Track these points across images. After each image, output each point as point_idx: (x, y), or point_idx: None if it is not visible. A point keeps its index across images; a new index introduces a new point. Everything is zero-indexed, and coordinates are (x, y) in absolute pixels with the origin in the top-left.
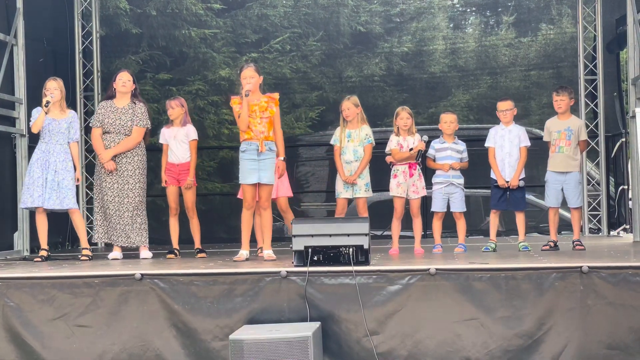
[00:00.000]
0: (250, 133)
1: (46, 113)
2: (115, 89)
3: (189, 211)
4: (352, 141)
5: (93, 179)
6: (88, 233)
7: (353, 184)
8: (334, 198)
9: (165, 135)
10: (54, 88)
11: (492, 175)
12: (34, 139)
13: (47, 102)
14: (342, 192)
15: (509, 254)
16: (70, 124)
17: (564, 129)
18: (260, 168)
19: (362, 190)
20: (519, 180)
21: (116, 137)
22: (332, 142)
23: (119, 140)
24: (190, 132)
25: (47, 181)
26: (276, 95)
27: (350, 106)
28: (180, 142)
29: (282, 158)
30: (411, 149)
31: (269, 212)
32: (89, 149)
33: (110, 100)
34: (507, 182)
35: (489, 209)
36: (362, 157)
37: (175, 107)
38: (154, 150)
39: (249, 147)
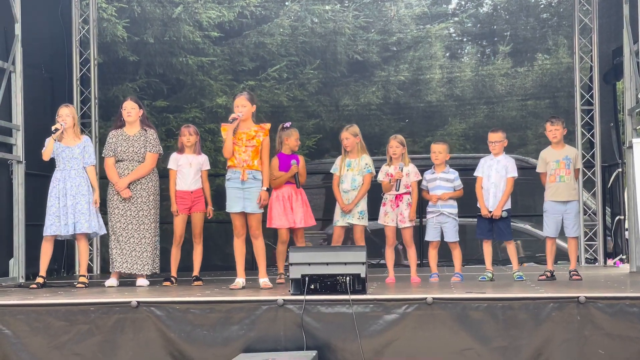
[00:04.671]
0: (234, 161)
1: (55, 140)
2: (122, 118)
3: (196, 237)
4: (351, 170)
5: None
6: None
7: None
8: (330, 226)
9: (179, 161)
10: (66, 115)
11: (479, 205)
12: (31, 166)
13: (56, 130)
14: (339, 220)
15: (505, 283)
16: (83, 148)
17: (562, 158)
18: (245, 197)
19: (355, 218)
20: (503, 210)
21: (130, 165)
22: (332, 170)
23: (133, 167)
24: (206, 161)
25: (67, 207)
26: (267, 126)
27: (348, 136)
28: (195, 170)
29: (265, 188)
30: (390, 181)
31: (261, 241)
32: None
33: (121, 129)
34: (491, 212)
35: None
36: (359, 186)
37: (194, 134)
38: None
39: (233, 175)
